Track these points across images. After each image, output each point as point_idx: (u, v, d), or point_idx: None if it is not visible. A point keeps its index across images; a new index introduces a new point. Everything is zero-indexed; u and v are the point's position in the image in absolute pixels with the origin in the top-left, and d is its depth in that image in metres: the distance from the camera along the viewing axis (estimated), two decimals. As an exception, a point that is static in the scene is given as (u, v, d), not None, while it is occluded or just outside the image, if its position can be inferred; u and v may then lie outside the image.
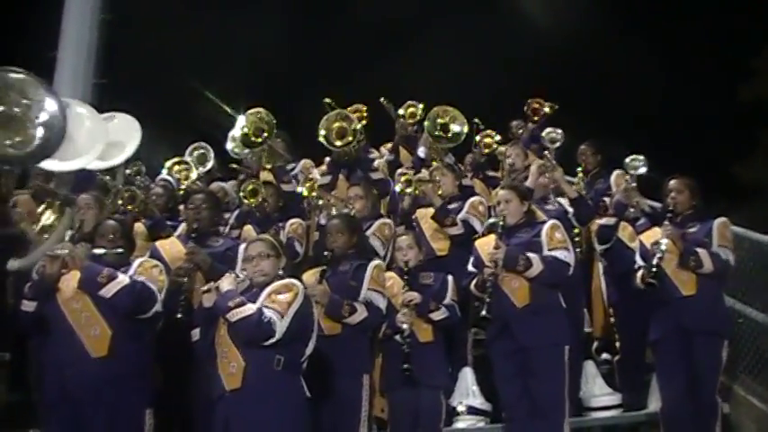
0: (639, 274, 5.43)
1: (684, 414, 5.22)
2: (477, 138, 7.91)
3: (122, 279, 4.69)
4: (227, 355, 4.31)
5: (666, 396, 5.32)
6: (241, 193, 6.74)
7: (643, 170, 6.75)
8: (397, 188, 6.91)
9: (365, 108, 8.37)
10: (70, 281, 4.73)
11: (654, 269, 5.21)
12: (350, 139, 7.23)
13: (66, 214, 6.24)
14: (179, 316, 4.95)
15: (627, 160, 6.87)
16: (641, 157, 6.93)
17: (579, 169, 7.31)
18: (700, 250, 5.30)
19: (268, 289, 4.42)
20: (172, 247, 5.58)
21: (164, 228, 6.20)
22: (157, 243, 5.71)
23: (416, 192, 6.69)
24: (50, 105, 5.29)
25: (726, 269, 5.43)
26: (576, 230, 6.39)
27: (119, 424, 4.55)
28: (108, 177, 6.97)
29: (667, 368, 5.34)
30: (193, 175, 7.63)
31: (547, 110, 8.40)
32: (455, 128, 7.60)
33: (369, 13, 13.28)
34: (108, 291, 4.64)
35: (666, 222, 5.39)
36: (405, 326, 5.24)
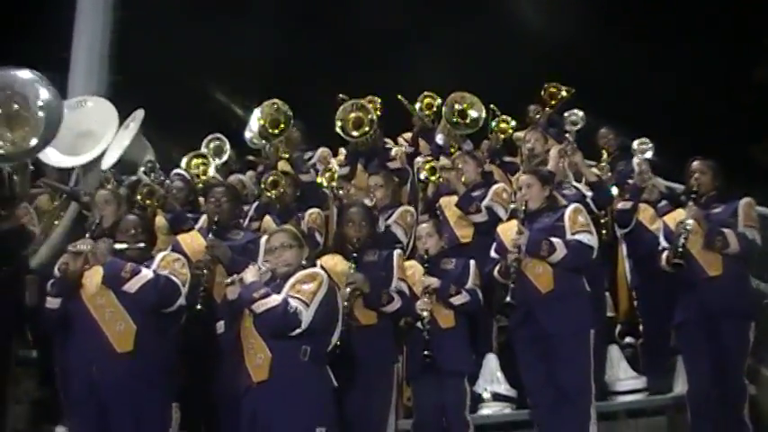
0: (664, 255, 5.38)
1: (711, 397, 5.18)
2: (493, 124, 7.89)
3: (146, 273, 4.70)
4: (254, 347, 4.30)
5: (693, 379, 5.29)
6: (261, 185, 6.74)
7: (650, 154, 6.70)
8: (422, 176, 6.89)
9: (379, 100, 8.37)
10: (93, 277, 4.75)
11: (680, 249, 5.16)
12: (366, 129, 7.22)
13: (70, 207, 6.28)
14: (198, 308, 4.94)
15: (635, 144, 6.82)
16: (648, 141, 6.88)
17: (604, 154, 7.30)
18: (726, 230, 5.25)
19: (292, 279, 4.40)
20: (193, 240, 5.58)
21: (185, 221, 6.20)
22: (179, 237, 5.71)
23: (440, 180, 6.65)
24: (45, 93, 5.35)
25: (752, 249, 5.39)
26: (601, 213, 6.33)
27: (145, 419, 4.56)
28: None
29: (693, 351, 5.31)
30: (211, 170, 7.63)
31: (564, 94, 8.35)
32: (473, 114, 7.60)
33: (377, 12, 13.27)
34: (132, 286, 4.66)
35: (691, 203, 5.34)
36: (425, 313, 5.24)
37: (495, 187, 6.57)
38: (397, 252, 5.36)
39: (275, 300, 4.25)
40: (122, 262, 4.74)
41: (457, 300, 5.37)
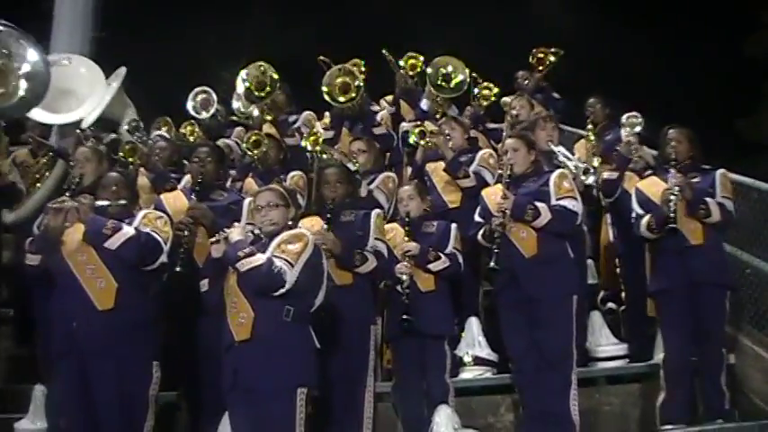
0: (645, 221, 5.35)
1: (689, 365, 5.20)
2: (476, 90, 7.85)
3: (128, 230, 4.66)
4: (237, 305, 4.29)
5: (671, 347, 5.26)
6: (244, 145, 6.69)
7: (639, 128, 6.67)
8: (411, 139, 6.83)
9: (362, 62, 8.26)
10: (74, 233, 4.69)
11: (672, 215, 5.13)
12: (353, 95, 7.17)
13: (57, 165, 6.21)
14: (178, 269, 4.91)
15: (624, 118, 6.80)
16: (638, 115, 6.84)
17: (589, 123, 7.28)
18: (708, 200, 5.24)
19: (277, 239, 4.38)
20: (176, 199, 5.53)
21: (167, 180, 6.16)
22: (162, 195, 5.66)
23: (429, 144, 6.62)
24: (32, 56, 5.24)
25: (731, 219, 5.41)
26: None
27: (125, 376, 4.54)
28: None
29: (673, 319, 5.28)
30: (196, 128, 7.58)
31: (552, 58, 8.31)
32: (458, 77, 7.53)
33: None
34: (113, 242, 4.61)
35: (674, 170, 5.32)
36: (404, 276, 5.24)
37: (481, 152, 6.54)
38: (375, 212, 5.33)
39: (260, 259, 4.23)
40: (104, 219, 4.70)
41: (436, 266, 5.37)
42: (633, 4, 14.12)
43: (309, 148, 6.88)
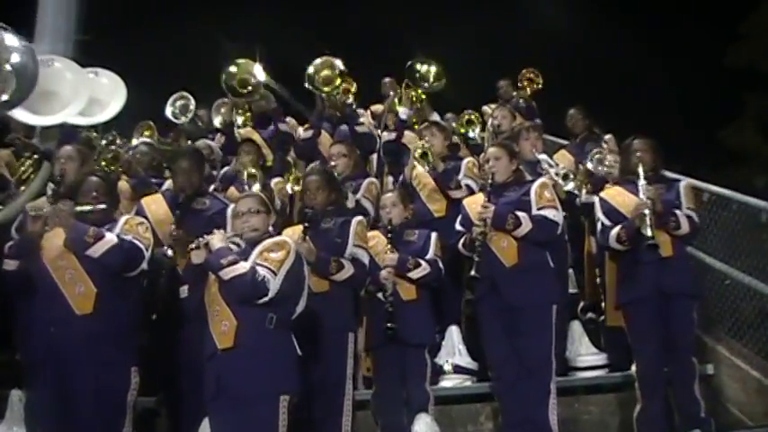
0: (615, 233, 5.30)
1: (661, 376, 5.21)
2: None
3: (110, 238, 4.64)
4: (219, 313, 4.28)
5: (642, 358, 5.27)
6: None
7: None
8: (415, 157, 6.51)
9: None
10: (54, 238, 4.67)
11: (650, 231, 5.06)
12: (336, 83, 7.14)
13: (43, 168, 6.15)
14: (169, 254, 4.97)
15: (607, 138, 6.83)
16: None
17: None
18: (678, 212, 5.26)
19: (260, 247, 4.38)
20: (157, 205, 5.51)
21: (148, 186, 6.12)
22: (142, 200, 5.64)
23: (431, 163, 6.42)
24: (19, 53, 5.19)
25: (698, 231, 5.45)
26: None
27: (104, 382, 4.50)
28: (95, 134, 6.86)
29: (643, 330, 5.27)
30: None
31: (538, 87, 8.28)
32: (433, 69, 7.53)
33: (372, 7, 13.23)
34: (96, 250, 4.60)
35: (644, 182, 5.28)
36: (388, 283, 5.25)
37: (465, 162, 6.51)
38: (356, 219, 5.33)
39: (243, 267, 4.23)
40: (86, 226, 4.67)
41: (416, 273, 5.36)
42: (615, 16, 14.22)
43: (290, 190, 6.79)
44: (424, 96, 7.69)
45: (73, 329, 4.48)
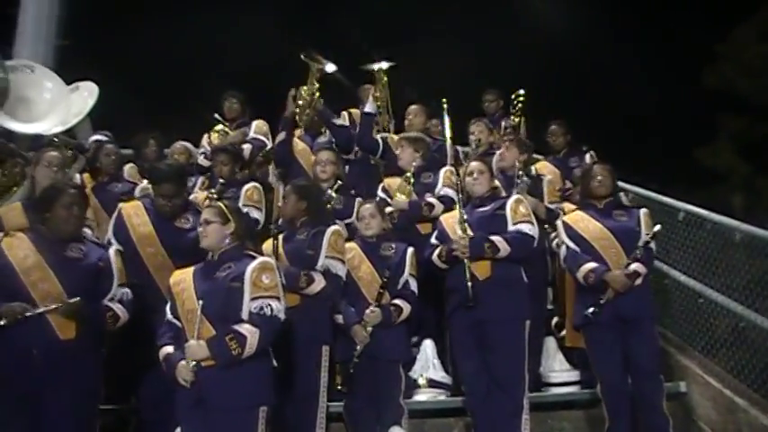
0: (586, 270, 5.29)
1: (625, 394, 5.22)
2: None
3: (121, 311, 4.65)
4: (200, 330, 4.25)
5: (604, 378, 5.29)
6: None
7: None
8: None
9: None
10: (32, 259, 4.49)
11: (602, 302, 5.22)
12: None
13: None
14: None
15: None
16: None
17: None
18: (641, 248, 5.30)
19: (250, 276, 4.32)
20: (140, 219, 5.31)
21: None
22: (120, 206, 5.44)
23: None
24: None
25: (653, 260, 5.54)
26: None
27: (80, 402, 4.43)
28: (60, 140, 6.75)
29: (603, 351, 5.29)
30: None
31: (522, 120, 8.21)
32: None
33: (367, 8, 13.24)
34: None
35: (618, 273, 5.22)
36: (359, 345, 5.20)
37: (443, 171, 6.35)
38: (331, 229, 5.29)
39: (251, 332, 4.21)
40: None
41: (404, 315, 5.31)
42: (595, 36, 14.33)
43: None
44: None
45: (55, 353, 4.36)
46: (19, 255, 4.48)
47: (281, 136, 7.03)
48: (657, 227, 5.43)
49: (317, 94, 7.14)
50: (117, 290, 4.67)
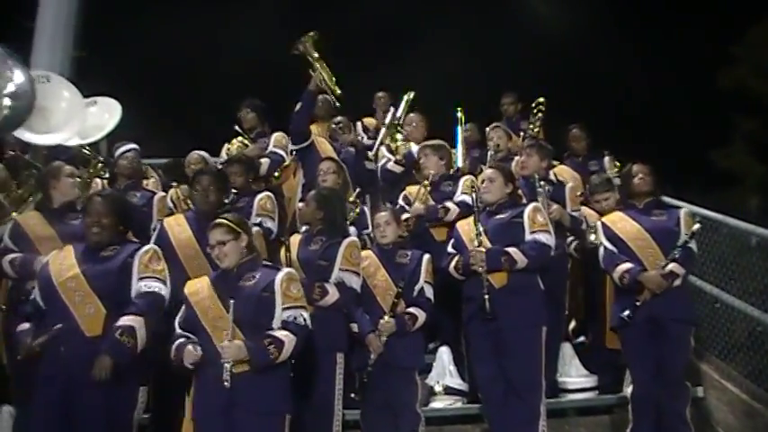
0: (621, 270, 5.30)
1: (654, 398, 5.22)
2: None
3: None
4: (231, 336, 4.26)
5: (638, 380, 5.29)
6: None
7: None
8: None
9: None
10: (65, 260, 4.60)
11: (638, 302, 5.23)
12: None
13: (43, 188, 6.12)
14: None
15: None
16: None
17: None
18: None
19: (280, 287, 4.41)
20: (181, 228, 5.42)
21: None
22: (165, 221, 5.54)
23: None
24: (18, 77, 5.19)
25: (694, 261, 5.53)
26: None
27: (112, 403, 4.43)
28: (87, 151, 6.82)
29: (637, 353, 5.31)
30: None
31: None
32: None
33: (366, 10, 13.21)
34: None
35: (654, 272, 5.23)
36: (373, 354, 5.21)
37: (463, 179, 6.33)
38: (347, 241, 5.30)
39: (288, 338, 4.31)
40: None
41: (419, 323, 5.30)
42: (608, 36, 14.29)
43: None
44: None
45: (82, 350, 4.39)
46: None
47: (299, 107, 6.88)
48: (697, 225, 5.41)
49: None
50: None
